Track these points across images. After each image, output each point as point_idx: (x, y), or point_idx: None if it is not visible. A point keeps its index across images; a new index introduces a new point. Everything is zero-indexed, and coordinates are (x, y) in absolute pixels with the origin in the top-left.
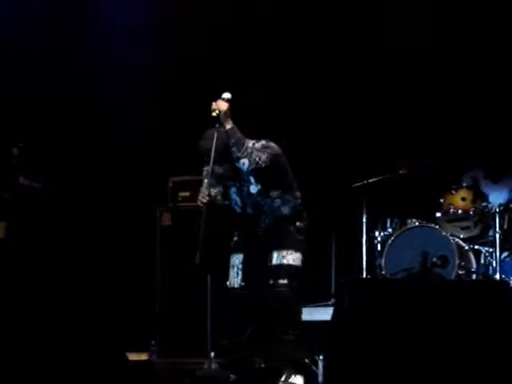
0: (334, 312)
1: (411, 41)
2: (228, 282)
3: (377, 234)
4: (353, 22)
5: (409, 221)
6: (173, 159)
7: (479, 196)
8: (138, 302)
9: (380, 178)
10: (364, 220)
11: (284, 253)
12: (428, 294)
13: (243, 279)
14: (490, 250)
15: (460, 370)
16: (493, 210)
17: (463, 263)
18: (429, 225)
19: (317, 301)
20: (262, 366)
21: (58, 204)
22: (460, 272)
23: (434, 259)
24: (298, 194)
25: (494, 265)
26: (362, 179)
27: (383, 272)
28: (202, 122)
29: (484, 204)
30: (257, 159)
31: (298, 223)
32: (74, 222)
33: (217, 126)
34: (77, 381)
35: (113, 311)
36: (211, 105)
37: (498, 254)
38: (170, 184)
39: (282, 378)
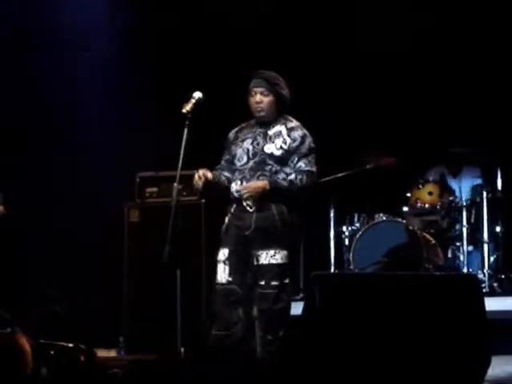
0: (305, 307)
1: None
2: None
3: (344, 228)
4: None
5: (376, 215)
6: (140, 155)
7: (446, 190)
8: (105, 299)
9: (347, 172)
10: (332, 215)
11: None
12: (396, 288)
13: (230, 274)
14: (458, 243)
15: (429, 364)
16: (459, 204)
17: (431, 257)
18: (396, 219)
19: None
20: None
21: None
22: (428, 266)
23: (402, 253)
24: None
25: (462, 258)
26: (329, 174)
27: (351, 267)
28: (170, 117)
29: (451, 198)
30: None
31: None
32: (42, 217)
33: (187, 122)
34: None
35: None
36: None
37: (465, 247)
38: (138, 179)
39: None
